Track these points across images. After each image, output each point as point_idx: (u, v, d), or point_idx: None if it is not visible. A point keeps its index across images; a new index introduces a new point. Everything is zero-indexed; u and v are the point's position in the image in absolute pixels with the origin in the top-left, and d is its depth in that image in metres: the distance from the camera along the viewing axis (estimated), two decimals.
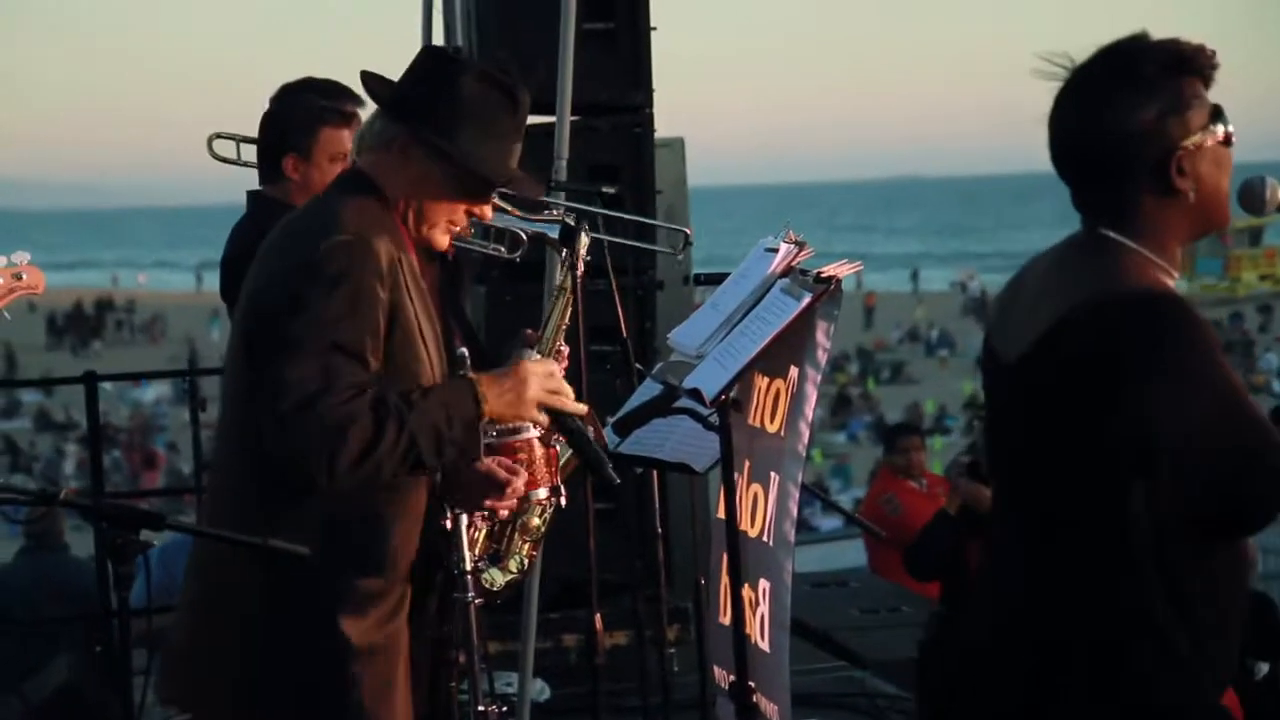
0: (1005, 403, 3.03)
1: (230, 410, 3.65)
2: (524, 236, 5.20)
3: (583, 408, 3.75)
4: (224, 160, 6.09)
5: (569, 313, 4.94)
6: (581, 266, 4.95)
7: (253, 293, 3.59)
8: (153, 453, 32.85)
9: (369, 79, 3.75)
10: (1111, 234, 2.92)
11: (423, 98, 3.66)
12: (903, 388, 43.90)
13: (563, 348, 4.99)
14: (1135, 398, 2.74)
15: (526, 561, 5.03)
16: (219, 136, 6.05)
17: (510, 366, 3.67)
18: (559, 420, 3.68)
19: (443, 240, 3.71)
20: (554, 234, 5.05)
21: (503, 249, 5.25)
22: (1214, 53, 2.93)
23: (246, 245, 5.30)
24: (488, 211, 3.73)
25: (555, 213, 5.26)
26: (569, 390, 3.70)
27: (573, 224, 4.93)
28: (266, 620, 3.59)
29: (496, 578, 4.81)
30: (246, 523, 3.55)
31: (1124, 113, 2.90)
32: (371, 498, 3.59)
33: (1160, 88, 2.90)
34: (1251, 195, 2.92)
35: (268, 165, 5.36)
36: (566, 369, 4.98)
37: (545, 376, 3.66)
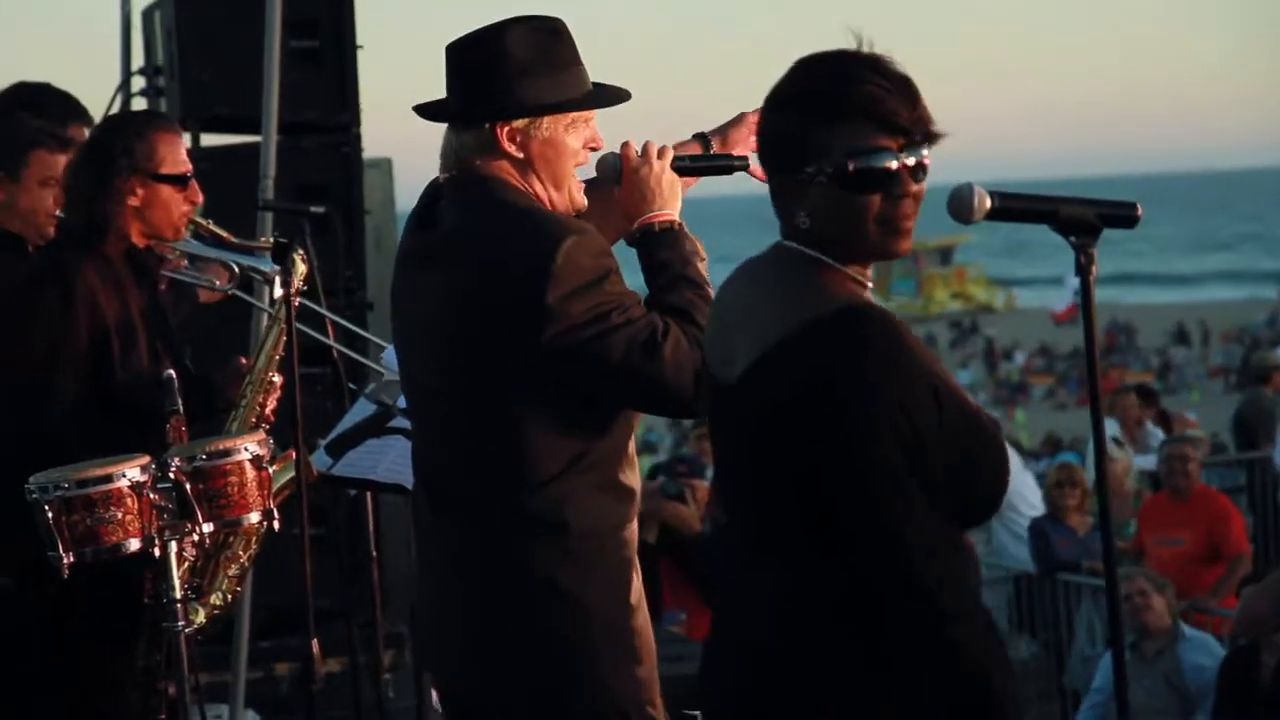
0: (728, 422, 3.02)
1: (473, 434, 3.53)
2: (235, 269, 5.11)
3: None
4: None
5: (282, 342, 4.85)
6: (296, 286, 4.85)
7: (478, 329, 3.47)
8: None
9: (424, 111, 3.64)
10: (798, 247, 2.93)
11: (485, 85, 3.54)
12: None
13: (275, 378, 4.89)
14: (863, 408, 2.77)
15: (230, 596, 4.93)
16: None
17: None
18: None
19: (581, 196, 3.65)
20: (266, 267, 4.95)
21: (215, 281, 5.15)
22: (876, 96, 2.86)
23: None
24: (599, 135, 3.65)
25: (264, 239, 5.17)
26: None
27: (285, 243, 4.83)
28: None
29: (198, 613, 4.70)
30: (518, 511, 3.47)
31: (763, 129, 2.94)
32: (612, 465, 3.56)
33: (793, 113, 2.90)
34: (960, 204, 2.93)
35: None
36: (280, 399, 4.90)
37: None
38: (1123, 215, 2.96)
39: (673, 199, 3.65)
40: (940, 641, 2.83)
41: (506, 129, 3.53)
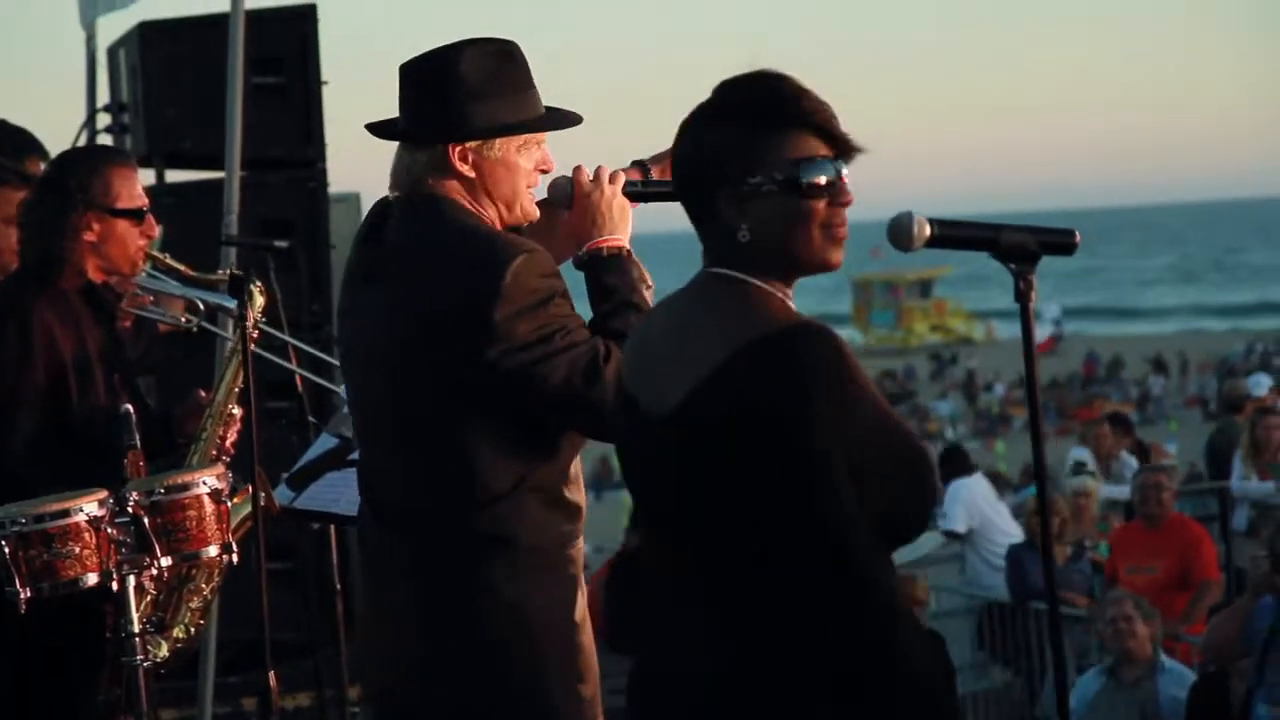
0: (657, 456, 3.00)
1: (420, 450, 3.53)
2: (200, 305, 5.12)
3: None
4: None
5: (241, 375, 4.85)
6: (252, 318, 4.85)
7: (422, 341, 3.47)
8: None
9: (377, 129, 3.65)
10: (728, 272, 2.92)
11: (440, 105, 3.55)
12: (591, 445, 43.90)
13: (235, 411, 4.89)
14: (822, 421, 2.78)
15: (194, 629, 4.92)
16: None
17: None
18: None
19: (534, 208, 3.65)
20: (230, 304, 4.96)
21: (181, 318, 5.16)
22: (814, 108, 2.90)
23: None
24: (550, 158, 3.67)
25: (223, 272, 5.18)
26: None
27: (240, 275, 4.84)
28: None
29: (160, 647, 4.69)
30: (467, 528, 3.47)
31: (695, 147, 2.93)
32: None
33: (735, 127, 2.90)
34: (900, 232, 2.94)
35: None
36: (240, 432, 4.90)
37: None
38: (1061, 242, 2.98)
39: (623, 224, 3.67)
40: (897, 648, 2.85)
41: (459, 149, 3.55)
